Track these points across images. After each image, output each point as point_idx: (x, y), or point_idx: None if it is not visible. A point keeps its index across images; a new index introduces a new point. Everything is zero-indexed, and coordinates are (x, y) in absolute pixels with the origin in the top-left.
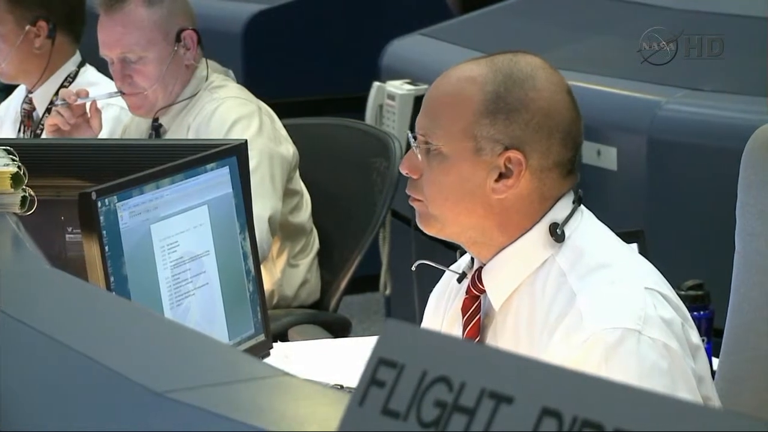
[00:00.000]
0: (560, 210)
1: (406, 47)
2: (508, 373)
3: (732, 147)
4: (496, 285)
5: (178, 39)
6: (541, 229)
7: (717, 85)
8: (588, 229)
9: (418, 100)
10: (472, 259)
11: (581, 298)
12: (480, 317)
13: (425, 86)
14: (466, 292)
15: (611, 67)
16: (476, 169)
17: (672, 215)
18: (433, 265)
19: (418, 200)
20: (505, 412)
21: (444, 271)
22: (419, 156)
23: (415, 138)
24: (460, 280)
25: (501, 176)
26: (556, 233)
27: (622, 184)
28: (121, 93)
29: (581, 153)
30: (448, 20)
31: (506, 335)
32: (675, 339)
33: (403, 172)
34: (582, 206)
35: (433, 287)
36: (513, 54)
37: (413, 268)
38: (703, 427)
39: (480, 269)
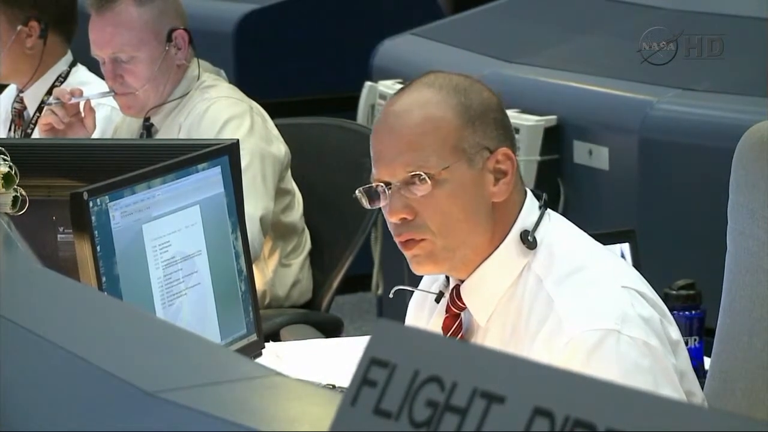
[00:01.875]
0: (527, 216)
1: (398, 47)
2: (500, 373)
3: (723, 146)
4: (478, 302)
5: (169, 39)
6: (513, 238)
7: (709, 85)
8: (558, 232)
9: None
10: (447, 277)
11: (559, 303)
12: (462, 334)
13: None
14: (446, 311)
15: (602, 67)
16: (475, 181)
17: (663, 215)
18: (410, 288)
19: (422, 240)
20: (496, 412)
21: (401, 291)
22: (407, 196)
23: (388, 184)
24: (438, 300)
25: (496, 179)
26: (528, 240)
27: (614, 183)
28: (114, 92)
29: (572, 152)
30: (440, 20)
31: None
32: (655, 336)
33: (397, 219)
34: (549, 210)
35: (425, 286)
36: (430, 74)
37: (391, 296)
38: (695, 427)
39: (457, 287)
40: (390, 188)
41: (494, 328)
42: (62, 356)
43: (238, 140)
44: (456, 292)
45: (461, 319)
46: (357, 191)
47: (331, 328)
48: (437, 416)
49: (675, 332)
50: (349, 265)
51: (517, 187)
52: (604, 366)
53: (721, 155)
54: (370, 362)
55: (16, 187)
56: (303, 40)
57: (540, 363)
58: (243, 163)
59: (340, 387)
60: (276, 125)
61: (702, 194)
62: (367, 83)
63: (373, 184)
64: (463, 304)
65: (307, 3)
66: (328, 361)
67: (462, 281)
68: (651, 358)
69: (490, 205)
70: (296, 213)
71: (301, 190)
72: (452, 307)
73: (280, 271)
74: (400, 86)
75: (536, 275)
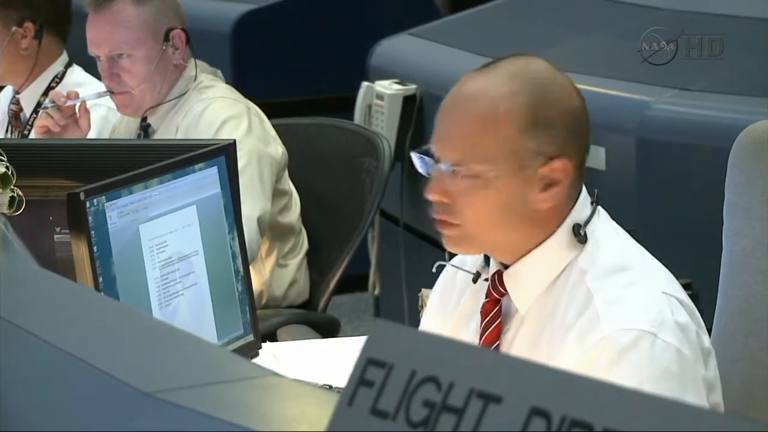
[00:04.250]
0: (581, 211)
1: (395, 47)
2: (497, 373)
3: (720, 146)
4: (522, 289)
5: (166, 38)
6: (565, 230)
7: (707, 84)
8: (606, 230)
9: (406, 100)
10: (487, 257)
11: (598, 299)
12: (500, 320)
13: (414, 86)
14: (486, 296)
15: (601, 67)
16: (521, 186)
17: (660, 215)
18: (449, 264)
19: (453, 224)
20: (493, 412)
21: (444, 266)
22: (448, 182)
23: (435, 159)
24: (475, 280)
25: (546, 186)
26: (580, 234)
27: (611, 183)
28: (110, 92)
29: None
30: (437, 20)
31: (526, 337)
32: (688, 345)
33: (433, 198)
34: (599, 207)
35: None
36: (519, 58)
37: (434, 270)
38: (693, 427)
39: (500, 272)
40: (437, 166)
41: (531, 316)
42: (59, 357)
43: (234, 140)
44: (498, 276)
45: (501, 305)
46: (413, 153)
47: (328, 329)
48: (434, 416)
49: (708, 342)
50: (346, 265)
51: (574, 188)
52: (635, 366)
53: (719, 155)
54: (366, 362)
55: (13, 187)
56: (300, 41)
57: (537, 363)
58: (240, 164)
59: (337, 387)
60: (273, 125)
61: (699, 194)
62: (364, 83)
63: (430, 147)
64: (505, 289)
65: (304, 3)
66: (325, 361)
67: (506, 266)
68: (682, 366)
69: (530, 211)
70: (293, 214)
71: (298, 191)
72: (493, 292)
73: (277, 272)
74: (397, 86)
75: (580, 268)
